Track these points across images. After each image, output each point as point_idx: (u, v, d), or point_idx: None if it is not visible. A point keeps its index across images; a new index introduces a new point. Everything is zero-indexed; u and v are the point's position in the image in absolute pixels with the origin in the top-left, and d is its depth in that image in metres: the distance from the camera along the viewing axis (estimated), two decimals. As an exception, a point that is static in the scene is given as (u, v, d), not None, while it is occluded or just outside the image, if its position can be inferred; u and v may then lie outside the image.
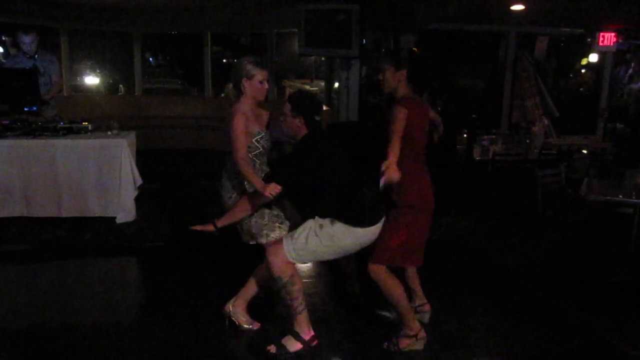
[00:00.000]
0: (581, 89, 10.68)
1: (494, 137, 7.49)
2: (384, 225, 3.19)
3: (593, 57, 9.34)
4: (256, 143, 3.33)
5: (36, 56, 6.12)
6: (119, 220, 5.32)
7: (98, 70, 15.27)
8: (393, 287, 3.23)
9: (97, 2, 8.60)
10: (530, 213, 5.96)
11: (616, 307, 4.03)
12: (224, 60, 17.58)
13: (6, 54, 11.45)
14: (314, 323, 3.32)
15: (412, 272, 3.58)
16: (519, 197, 6.23)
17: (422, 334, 3.32)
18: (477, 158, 6.93)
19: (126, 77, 13.45)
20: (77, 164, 5.27)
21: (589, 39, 8.32)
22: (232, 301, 3.54)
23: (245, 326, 3.53)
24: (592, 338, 3.61)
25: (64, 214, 5.30)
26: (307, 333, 3.22)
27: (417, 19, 7.26)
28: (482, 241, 5.48)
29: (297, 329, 3.21)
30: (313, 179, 3.09)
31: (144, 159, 6.02)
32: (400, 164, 2.99)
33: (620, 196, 4.43)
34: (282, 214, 3.42)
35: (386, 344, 3.33)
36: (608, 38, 8.06)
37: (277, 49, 10.20)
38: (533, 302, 4.13)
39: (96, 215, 5.34)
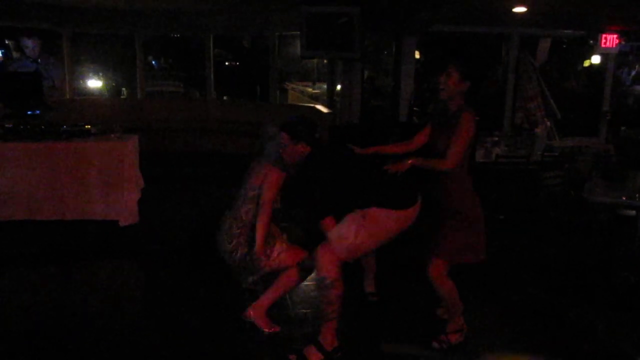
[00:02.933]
0: (584, 91, 10.67)
1: (496, 139, 7.48)
2: (446, 225, 3.24)
3: (595, 59, 9.33)
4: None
5: (39, 60, 6.16)
6: (122, 223, 5.34)
7: (101, 74, 15.29)
8: (448, 285, 3.30)
9: (100, 5, 8.63)
10: (533, 215, 5.96)
11: (620, 310, 4.02)
12: (226, 63, 17.60)
13: (9, 57, 11.48)
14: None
15: None
16: (522, 198, 6.22)
17: (465, 326, 3.42)
18: (480, 160, 6.92)
19: (129, 80, 13.47)
20: (80, 167, 5.29)
21: (591, 41, 8.30)
22: (252, 306, 3.54)
23: (267, 330, 3.52)
24: (596, 340, 3.60)
25: (68, 217, 5.31)
26: (331, 344, 3.17)
27: (419, 21, 7.25)
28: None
29: (321, 339, 3.17)
30: (341, 180, 3.16)
31: (147, 162, 6.03)
32: (462, 176, 3.23)
33: (624, 198, 4.41)
34: (271, 241, 3.49)
35: (436, 343, 3.36)
36: (610, 40, 8.04)
37: (279, 52, 10.21)
38: (536, 303, 4.12)
39: (99, 218, 5.36)
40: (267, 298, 3.52)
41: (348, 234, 3.09)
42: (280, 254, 3.46)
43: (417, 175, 3.25)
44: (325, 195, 3.19)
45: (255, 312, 3.52)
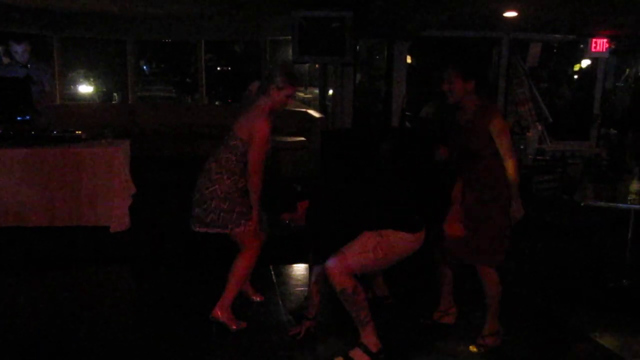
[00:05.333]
0: (574, 95, 10.73)
1: (488, 143, 7.50)
2: (484, 226, 3.29)
3: (586, 63, 9.39)
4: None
5: (29, 65, 6.10)
6: (112, 229, 5.29)
7: (92, 79, 15.23)
8: (497, 286, 3.35)
9: (90, 10, 8.58)
10: (525, 218, 5.96)
11: (612, 313, 4.03)
12: (218, 68, 17.59)
13: (-1, 63, 11.40)
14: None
15: (449, 280, 3.64)
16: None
17: (501, 329, 3.43)
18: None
19: (120, 85, 13.42)
20: (70, 173, 5.25)
21: (581, 45, 8.35)
22: (217, 305, 3.56)
23: (234, 327, 3.53)
24: (589, 344, 3.61)
25: (58, 224, 5.26)
26: (375, 345, 3.17)
27: (411, 25, 7.27)
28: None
29: (365, 342, 3.17)
30: (352, 207, 3.21)
31: (138, 167, 5.99)
32: (499, 170, 3.27)
33: (615, 202, 4.42)
34: (248, 212, 3.47)
35: (473, 346, 3.39)
36: (600, 44, 8.09)
37: (271, 57, 10.20)
38: (529, 307, 4.13)
39: (90, 224, 5.31)
40: (228, 293, 3.55)
41: (366, 248, 3.10)
42: (248, 223, 3.46)
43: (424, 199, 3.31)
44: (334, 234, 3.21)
45: (222, 311, 3.54)
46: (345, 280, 3.08)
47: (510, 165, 3.24)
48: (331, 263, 3.10)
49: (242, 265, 3.56)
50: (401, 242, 3.14)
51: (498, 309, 3.41)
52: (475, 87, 3.28)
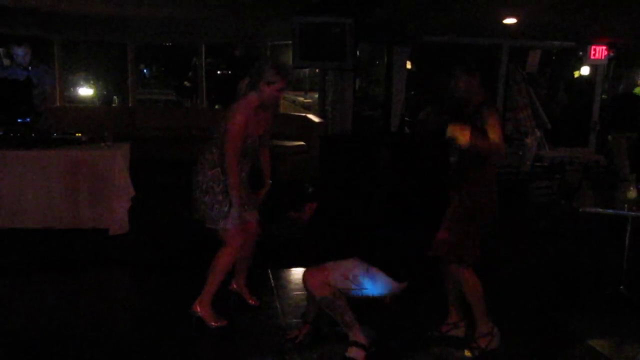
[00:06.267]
0: (573, 102, 10.76)
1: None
2: (454, 225, 3.29)
3: (585, 70, 9.42)
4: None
5: (30, 67, 6.12)
6: (112, 232, 5.30)
7: (92, 81, 15.26)
8: (476, 285, 3.35)
9: (92, 13, 8.60)
10: (523, 224, 5.98)
11: (609, 318, 4.04)
12: (218, 72, 17.63)
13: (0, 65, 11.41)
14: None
15: (456, 292, 3.60)
16: (512, 208, 6.25)
17: (496, 330, 3.40)
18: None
19: (120, 88, 13.46)
20: (70, 176, 5.26)
21: (580, 52, 8.38)
22: (198, 300, 3.58)
23: (213, 324, 3.55)
24: (585, 349, 3.61)
25: (57, 226, 5.27)
26: (365, 339, 3.21)
27: (411, 31, 7.30)
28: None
29: (355, 339, 3.20)
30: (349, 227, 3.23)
31: (138, 170, 6.00)
32: (489, 174, 3.24)
33: (613, 208, 4.43)
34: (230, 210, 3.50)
35: (467, 350, 3.37)
36: (599, 51, 8.12)
37: (272, 61, 10.22)
38: (526, 312, 4.13)
39: (89, 227, 5.32)
40: (208, 288, 3.57)
41: (348, 276, 3.14)
42: (235, 219, 3.49)
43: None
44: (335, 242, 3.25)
45: (201, 307, 3.56)
46: (324, 289, 3.13)
47: (494, 140, 3.13)
48: (311, 274, 3.16)
49: (221, 262, 3.57)
50: (383, 283, 3.19)
51: (484, 308, 3.38)
52: (481, 81, 3.29)
